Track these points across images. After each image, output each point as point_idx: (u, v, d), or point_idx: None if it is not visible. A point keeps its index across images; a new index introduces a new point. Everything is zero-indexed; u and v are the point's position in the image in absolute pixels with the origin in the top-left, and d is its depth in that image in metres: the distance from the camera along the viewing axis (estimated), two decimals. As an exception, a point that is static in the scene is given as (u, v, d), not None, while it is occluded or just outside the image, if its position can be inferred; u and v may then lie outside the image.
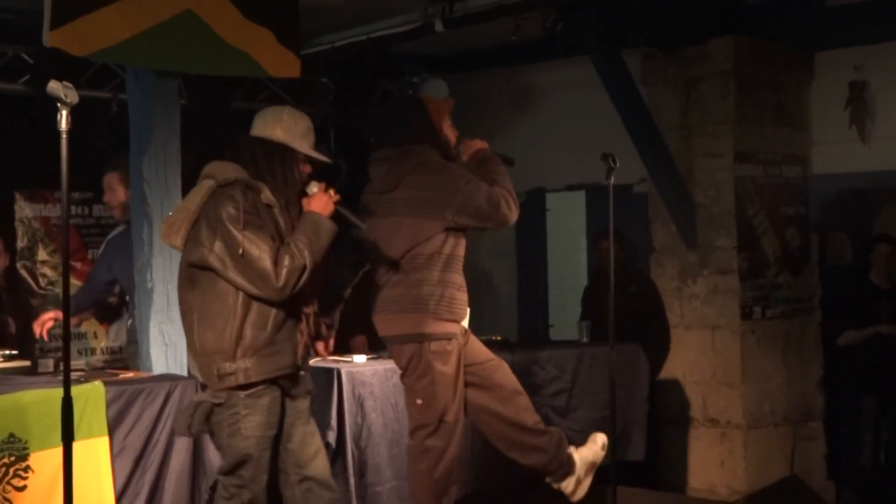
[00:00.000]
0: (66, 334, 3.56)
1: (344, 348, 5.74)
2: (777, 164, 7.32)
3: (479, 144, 4.80)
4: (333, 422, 4.99)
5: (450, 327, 4.54)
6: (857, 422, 6.96)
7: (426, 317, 4.50)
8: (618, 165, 5.15)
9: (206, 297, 3.92)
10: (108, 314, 6.59)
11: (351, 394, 5.08)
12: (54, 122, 3.40)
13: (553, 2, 6.34)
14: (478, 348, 4.73)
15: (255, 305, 3.90)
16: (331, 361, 5.29)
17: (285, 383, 4.03)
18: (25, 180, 7.09)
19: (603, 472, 5.75)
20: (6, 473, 4.10)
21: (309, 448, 4.13)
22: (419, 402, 4.54)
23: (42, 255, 7.20)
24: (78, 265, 7.20)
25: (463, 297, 4.63)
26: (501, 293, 8.62)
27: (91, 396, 4.33)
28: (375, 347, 5.51)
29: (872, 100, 7.16)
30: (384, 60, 7.85)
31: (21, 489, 4.13)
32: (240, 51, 5.22)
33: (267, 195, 3.94)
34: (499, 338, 6.22)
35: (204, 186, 3.97)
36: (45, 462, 4.15)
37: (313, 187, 4.07)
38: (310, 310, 4.08)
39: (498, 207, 4.54)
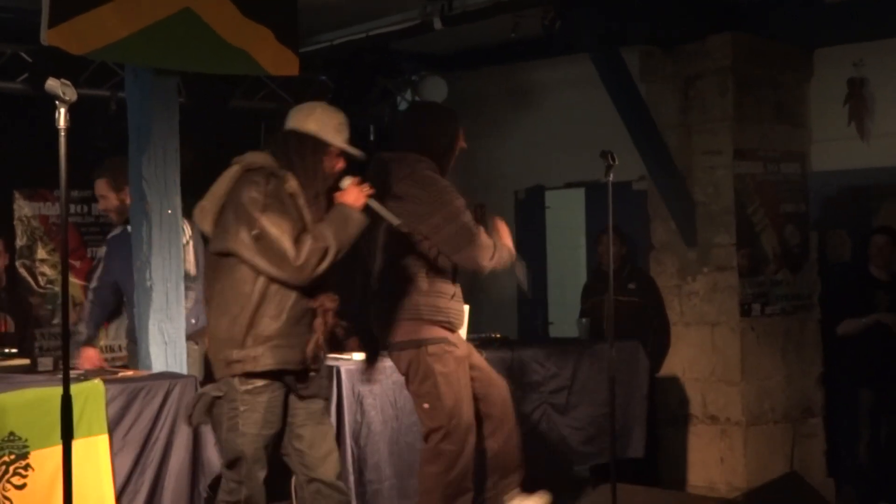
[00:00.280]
0: (64, 332, 3.56)
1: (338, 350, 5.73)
2: (776, 162, 7.32)
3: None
4: (333, 419, 4.99)
5: (445, 333, 4.56)
6: (854, 416, 6.96)
7: (421, 323, 4.52)
8: (617, 163, 5.15)
9: (226, 284, 3.93)
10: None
11: (350, 391, 5.09)
12: (53, 121, 3.39)
13: (551, -1, 6.35)
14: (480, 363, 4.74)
15: (272, 294, 3.89)
16: (330, 359, 5.29)
17: (290, 380, 4.00)
18: (24, 179, 7.10)
19: (603, 470, 5.76)
20: (6, 472, 4.10)
21: (319, 450, 4.11)
22: (426, 406, 4.55)
23: (41, 253, 7.20)
24: (77, 264, 7.21)
25: (457, 305, 4.63)
26: (501, 291, 8.62)
27: (91, 395, 4.33)
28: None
29: (872, 96, 7.16)
30: (383, 58, 7.86)
31: (21, 487, 4.14)
32: (238, 49, 5.21)
33: (292, 184, 3.93)
34: (498, 335, 6.23)
35: (231, 171, 4.00)
36: (45, 460, 4.15)
37: (346, 181, 4.06)
38: (332, 304, 4.04)
39: (471, 242, 4.48)
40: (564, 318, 8.18)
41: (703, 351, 7.19)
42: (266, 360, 3.89)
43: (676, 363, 7.30)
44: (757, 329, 7.16)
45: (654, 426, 6.72)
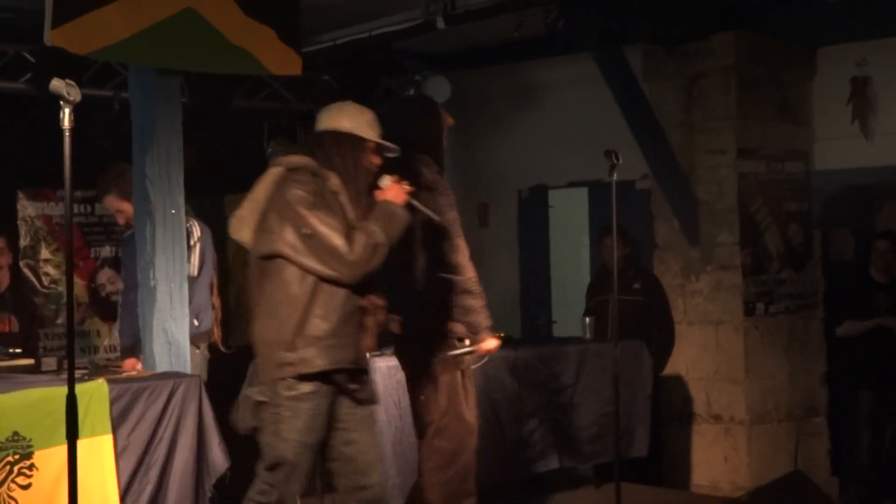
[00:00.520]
0: (69, 332, 3.56)
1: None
2: (779, 160, 7.31)
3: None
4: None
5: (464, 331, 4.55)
6: (855, 418, 6.96)
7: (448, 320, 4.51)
8: (620, 162, 5.15)
9: (272, 286, 3.86)
10: (112, 312, 6.58)
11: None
12: (56, 121, 3.39)
13: (554, -2, 6.34)
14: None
15: (321, 294, 3.83)
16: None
17: (342, 379, 3.92)
18: (28, 179, 7.10)
19: (607, 469, 5.76)
20: (11, 471, 4.11)
21: (368, 455, 4.04)
22: (422, 397, 4.55)
23: (45, 253, 7.21)
24: (80, 263, 7.22)
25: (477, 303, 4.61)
26: (504, 290, 8.62)
27: (95, 394, 4.33)
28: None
29: (875, 95, 7.15)
30: (386, 57, 7.85)
31: (25, 487, 4.14)
32: (241, 49, 5.21)
33: (334, 182, 3.90)
34: (502, 334, 6.21)
35: (271, 173, 3.94)
36: (50, 460, 4.16)
37: (385, 180, 4.04)
38: (382, 302, 4.00)
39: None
40: (568, 317, 8.17)
41: (707, 350, 7.19)
42: (319, 361, 3.82)
43: (680, 362, 7.29)
44: (760, 328, 7.16)
45: (657, 425, 6.72)
